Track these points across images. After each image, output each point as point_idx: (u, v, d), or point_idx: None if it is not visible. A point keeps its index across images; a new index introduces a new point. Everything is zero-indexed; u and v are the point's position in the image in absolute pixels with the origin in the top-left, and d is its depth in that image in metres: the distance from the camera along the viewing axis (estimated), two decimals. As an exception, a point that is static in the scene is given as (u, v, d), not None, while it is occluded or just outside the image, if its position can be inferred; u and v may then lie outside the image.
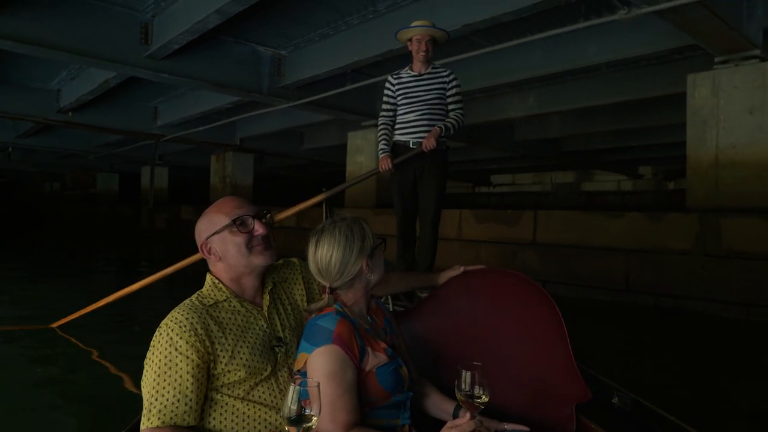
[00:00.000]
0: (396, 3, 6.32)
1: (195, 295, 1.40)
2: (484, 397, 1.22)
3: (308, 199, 3.56)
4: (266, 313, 1.43)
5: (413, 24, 3.54)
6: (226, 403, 1.29)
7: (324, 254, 1.42)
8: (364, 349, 1.37)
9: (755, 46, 5.55)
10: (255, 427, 1.30)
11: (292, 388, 1.06)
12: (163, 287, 6.09)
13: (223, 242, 1.39)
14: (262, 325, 1.40)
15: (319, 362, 1.30)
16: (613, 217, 6.49)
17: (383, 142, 3.61)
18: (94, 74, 8.73)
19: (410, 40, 3.52)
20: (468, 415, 1.22)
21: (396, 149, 3.59)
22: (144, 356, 1.28)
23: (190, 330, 1.26)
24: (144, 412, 1.22)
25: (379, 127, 3.66)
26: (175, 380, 1.22)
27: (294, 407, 1.04)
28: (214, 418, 1.28)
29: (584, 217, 6.79)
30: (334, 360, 1.30)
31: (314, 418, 1.06)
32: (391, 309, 2.54)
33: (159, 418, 1.20)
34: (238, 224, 1.38)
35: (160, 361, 1.24)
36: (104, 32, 6.86)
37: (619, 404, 1.64)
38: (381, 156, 3.56)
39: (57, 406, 3.06)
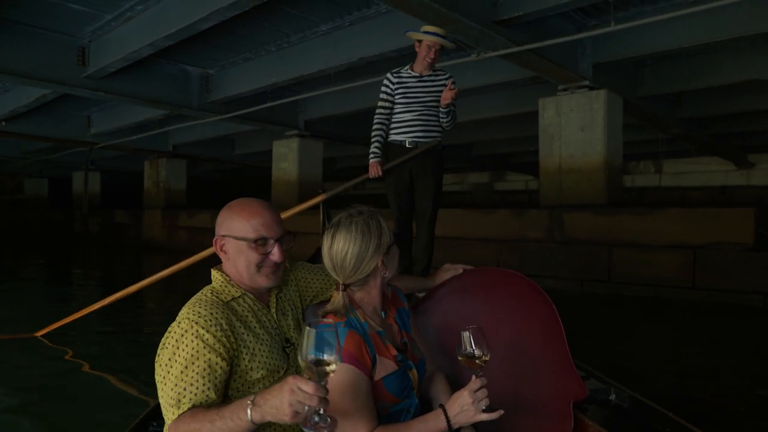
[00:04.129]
0: (305, 36, 7.46)
1: (207, 291, 1.35)
2: (484, 356, 1.24)
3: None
4: (275, 314, 1.41)
5: (427, 29, 3.48)
6: None
7: (339, 249, 1.36)
8: (375, 359, 1.33)
9: (585, 78, 7.11)
10: (270, 425, 1.27)
11: (307, 330, 1.02)
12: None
13: (236, 250, 1.34)
14: (274, 325, 1.38)
15: (333, 379, 1.22)
16: (487, 214, 7.91)
17: (376, 144, 3.52)
18: (30, 88, 9.14)
19: (419, 41, 3.48)
20: (473, 376, 1.26)
21: (391, 149, 3.53)
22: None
23: (215, 324, 1.23)
24: (168, 406, 1.17)
25: (374, 127, 3.55)
26: (204, 370, 1.19)
27: (311, 355, 1.01)
28: None
29: (466, 214, 8.15)
30: (347, 377, 1.26)
31: (332, 365, 1.04)
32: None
33: (188, 405, 1.16)
34: (259, 243, 1.33)
35: (186, 354, 1.19)
36: (42, 55, 7.45)
37: (616, 401, 1.66)
38: (372, 161, 3.48)
39: (44, 413, 3.00)
